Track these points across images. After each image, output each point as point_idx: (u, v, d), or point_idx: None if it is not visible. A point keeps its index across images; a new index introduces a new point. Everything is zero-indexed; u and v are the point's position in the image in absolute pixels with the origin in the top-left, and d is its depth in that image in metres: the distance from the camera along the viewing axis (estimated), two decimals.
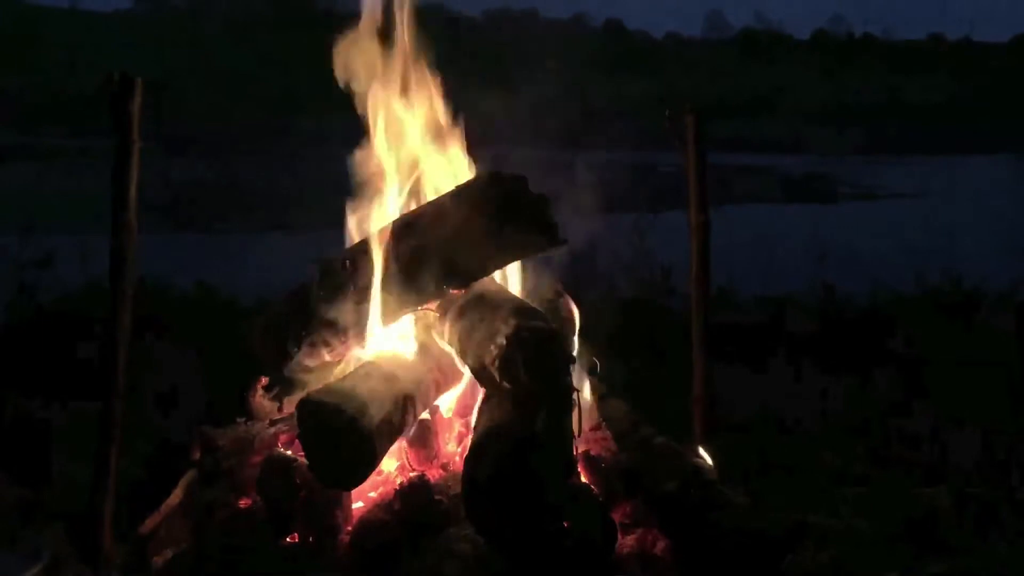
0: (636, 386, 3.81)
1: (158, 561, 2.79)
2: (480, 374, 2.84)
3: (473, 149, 3.35)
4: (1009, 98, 48.44)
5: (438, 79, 3.39)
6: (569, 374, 2.81)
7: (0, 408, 4.11)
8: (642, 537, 2.79)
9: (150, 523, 2.88)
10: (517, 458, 2.51)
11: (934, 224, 16.43)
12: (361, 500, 2.86)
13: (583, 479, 2.86)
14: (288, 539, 2.76)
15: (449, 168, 3.41)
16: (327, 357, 3.20)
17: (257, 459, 2.94)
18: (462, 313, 2.97)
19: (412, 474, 2.89)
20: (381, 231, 3.16)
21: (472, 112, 3.43)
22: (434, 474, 2.92)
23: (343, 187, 3.34)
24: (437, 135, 3.42)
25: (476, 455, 2.56)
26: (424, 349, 3.09)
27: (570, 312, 3.31)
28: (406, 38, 3.32)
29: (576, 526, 2.55)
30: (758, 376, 4.71)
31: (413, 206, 3.29)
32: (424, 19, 3.33)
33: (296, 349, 3.09)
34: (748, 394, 4.39)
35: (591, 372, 3.19)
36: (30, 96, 38.36)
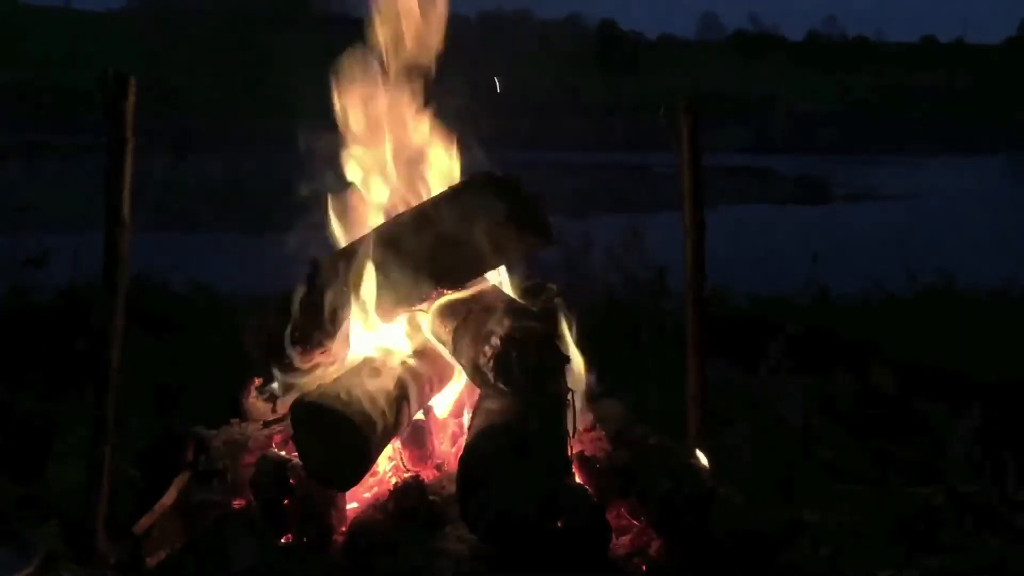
0: (631, 385, 3.81)
1: (152, 561, 2.79)
2: (474, 374, 2.83)
3: (466, 149, 3.34)
4: (1002, 99, 48.60)
5: (429, 79, 3.39)
6: (563, 374, 2.81)
7: None
8: (637, 537, 2.79)
9: (144, 523, 2.87)
10: (511, 458, 2.51)
11: (928, 224, 16.49)
12: (355, 500, 2.85)
13: (577, 479, 2.86)
14: (282, 539, 2.76)
15: (442, 168, 3.40)
16: (320, 358, 3.19)
17: (251, 459, 2.94)
18: (456, 313, 2.97)
19: (406, 474, 2.88)
20: (375, 230, 3.15)
21: (465, 112, 3.43)
22: (428, 474, 2.91)
23: (338, 186, 3.34)
24: (429, 134, 3.41)
25: (470, 455, 2.56)
26: (418, 349, 3.09)
27: (564, 312, 3.31)
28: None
29: (570, 526, 2.55)
30: (753, 374, 4.71)
31: (406, 206, 3.29)
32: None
33: (289, 350, 3.08)
34: (743, 392, 4.40)
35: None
36: (24, 93, 38.27)
